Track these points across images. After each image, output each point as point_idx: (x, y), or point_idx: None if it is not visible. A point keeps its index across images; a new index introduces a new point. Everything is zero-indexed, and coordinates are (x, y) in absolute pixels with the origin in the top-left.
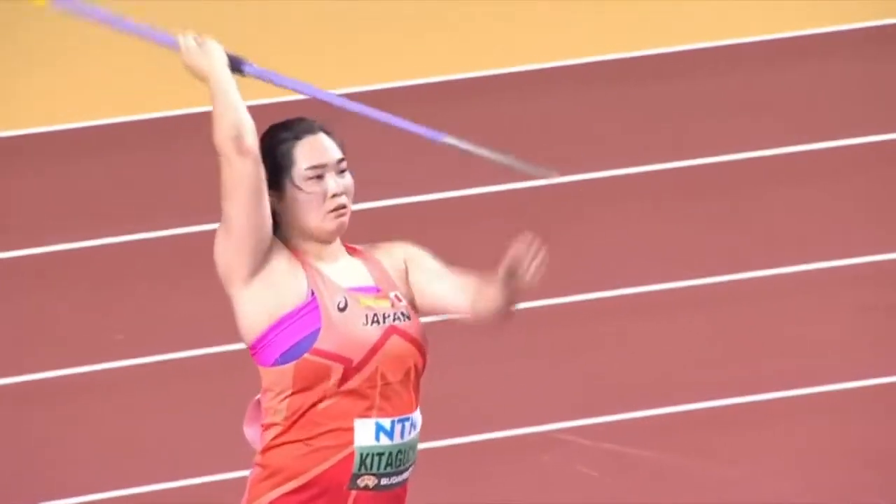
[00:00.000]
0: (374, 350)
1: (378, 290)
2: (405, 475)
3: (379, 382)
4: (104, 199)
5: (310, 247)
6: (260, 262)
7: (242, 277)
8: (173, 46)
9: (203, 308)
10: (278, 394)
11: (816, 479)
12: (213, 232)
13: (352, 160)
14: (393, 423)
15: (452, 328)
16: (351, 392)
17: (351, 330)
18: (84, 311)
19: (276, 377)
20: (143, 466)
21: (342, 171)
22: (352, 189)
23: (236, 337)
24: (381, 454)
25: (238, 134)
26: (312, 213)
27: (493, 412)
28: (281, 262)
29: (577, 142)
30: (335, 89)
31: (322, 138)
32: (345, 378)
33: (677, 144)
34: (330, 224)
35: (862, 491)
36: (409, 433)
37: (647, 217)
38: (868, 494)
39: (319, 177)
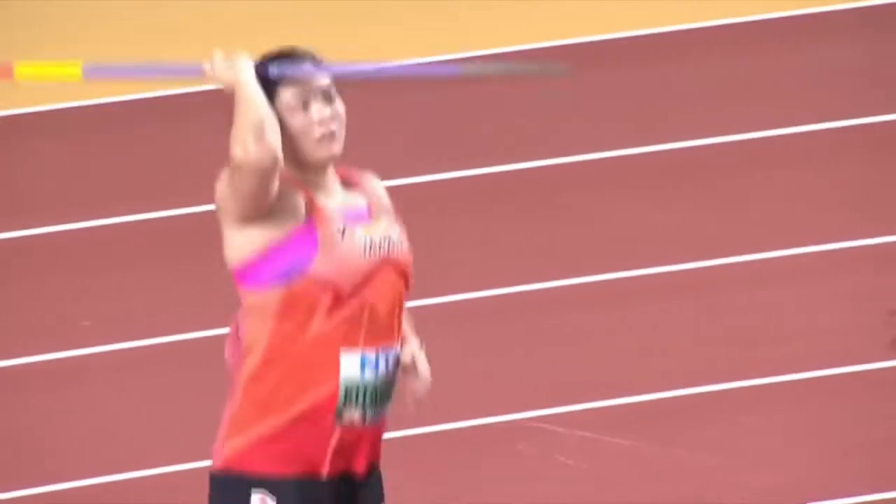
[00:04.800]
0: (366, 279)
1: (371, 216)
2: (387, 408)
3: (367, 313)
4: (73, 184)
5: (305, 175)
6: (262, 211)
7: (238, 220)
8: (201, 73)
9: (173, 294)
10: (261, 317)
11: (796, 467)
12: (184, 217)
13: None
14: (377, 355)
15: (425, 318)
16: (338, 323)
17: (348, 256)
18: (51, 298)
19: (262, 300)
20: (113, 454)
21: (330, 98)
22: (342, 115)
23: (207, 323)
24: (365, 387)
25: (260, 128)
26: (301, 141)
27: (468, 401)
28: (282, 194)
29: (560, 125)
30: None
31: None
32: (333, 307)
33: (664, 128)
34: (320, 151)
35: (843, 480)
36: (392, 366)
37: (627, 202)
38: (849, 483)
39: (305, 104)
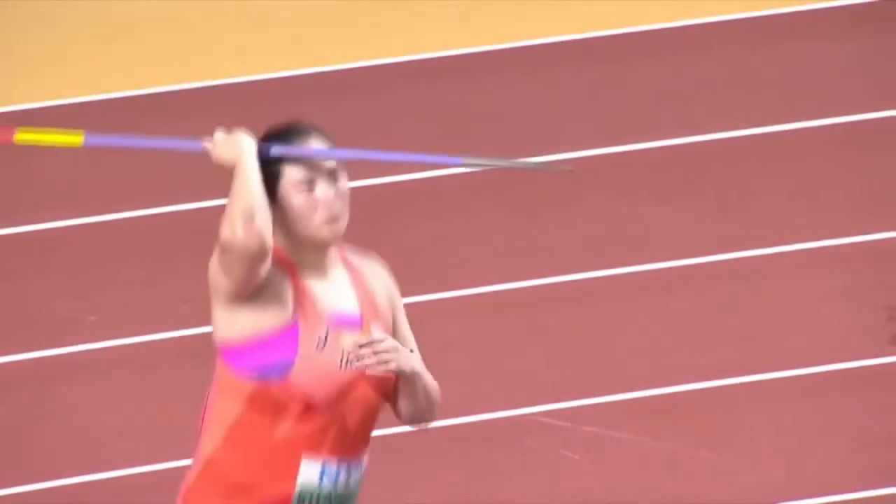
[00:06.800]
0: (340, 395)
1: (361, 323)
2: None
3: (336, 426)
4: (80, 180)
5: (303, 257)
6: (250, 293)
7: (226, 299)
8: (202, 150)
9: (179, 290)
10: (232, 399)
11: (798, 463)
12: (191, 212)
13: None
14: (339, 467)
15: (431, 313)
16: (305, 431)
17: (325, 371)
18: (57, 293)
19: (236, 384)
20: (114, 450)
21: (336, 178)
22: (346, 196)
23: (209, 320)
24: (320, 495)
25: (250, 214)
26: (305, 222)
27: (475, 396)
28: (270, 281)
29: (556, 121)
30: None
31: (314, 145)
32: (303, 415)
33: (662, 124)
34: (323, 233)
35: (845, 475)
36: (354, 478)
37: (628, 198)
38: (852, 479)
39: (310, 185)
